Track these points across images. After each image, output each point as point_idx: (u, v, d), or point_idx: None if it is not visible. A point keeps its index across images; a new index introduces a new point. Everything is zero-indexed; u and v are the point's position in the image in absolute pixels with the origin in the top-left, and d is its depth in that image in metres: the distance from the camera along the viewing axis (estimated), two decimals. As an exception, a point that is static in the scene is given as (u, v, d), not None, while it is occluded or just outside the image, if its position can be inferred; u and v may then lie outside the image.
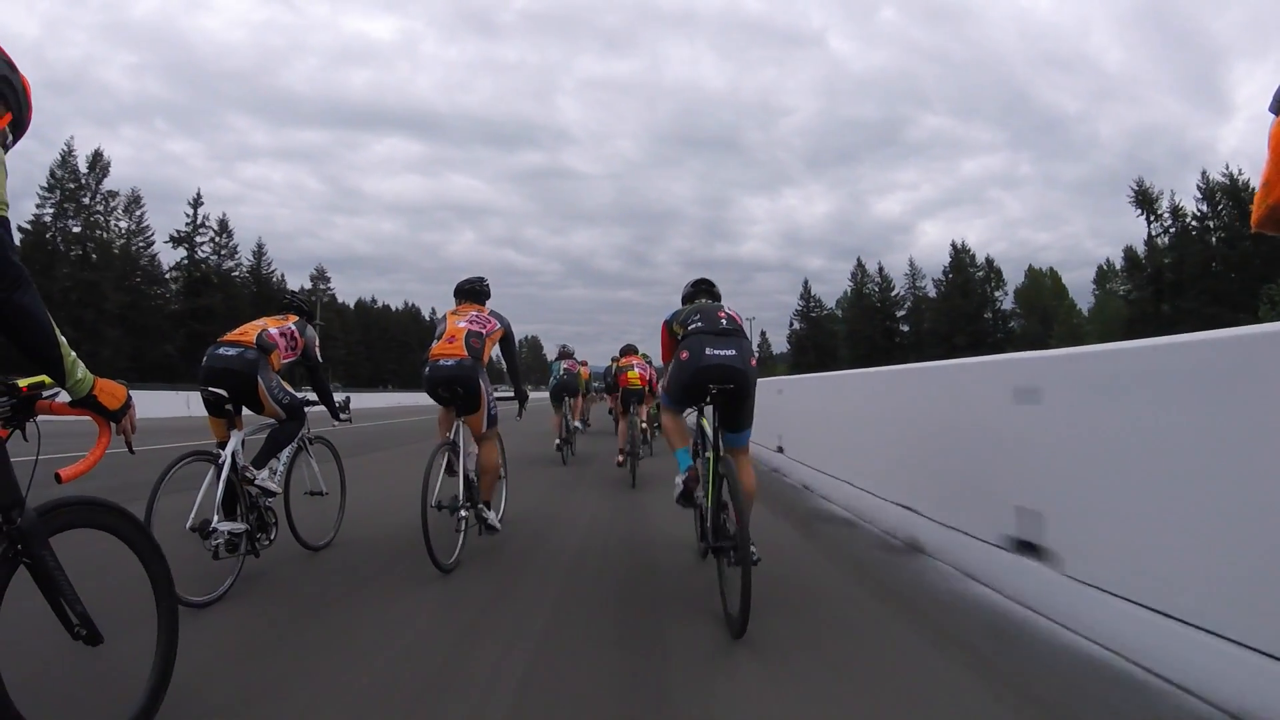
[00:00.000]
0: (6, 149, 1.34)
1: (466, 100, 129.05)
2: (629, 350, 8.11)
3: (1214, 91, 72.76)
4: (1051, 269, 60.90)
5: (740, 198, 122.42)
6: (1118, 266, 53.91)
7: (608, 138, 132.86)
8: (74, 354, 1.33)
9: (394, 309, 77.59)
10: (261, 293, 52.52)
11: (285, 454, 3.20)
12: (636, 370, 7.39)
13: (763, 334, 77.28)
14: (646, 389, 7.50)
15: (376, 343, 68.04)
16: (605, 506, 5.00)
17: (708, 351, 2.72)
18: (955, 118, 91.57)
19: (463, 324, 3.49)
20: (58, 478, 1.33)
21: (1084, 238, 73.35)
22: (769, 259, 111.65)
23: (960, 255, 62.55)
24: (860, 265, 68.59)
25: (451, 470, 3.30)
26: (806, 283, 71.53)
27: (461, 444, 3.36)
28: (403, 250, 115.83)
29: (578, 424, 8.56)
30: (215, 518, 2.65)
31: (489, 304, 3.82)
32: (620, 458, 6.51)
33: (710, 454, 2.79)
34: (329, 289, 64.89)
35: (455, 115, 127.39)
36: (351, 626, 2.37)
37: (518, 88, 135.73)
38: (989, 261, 61.74)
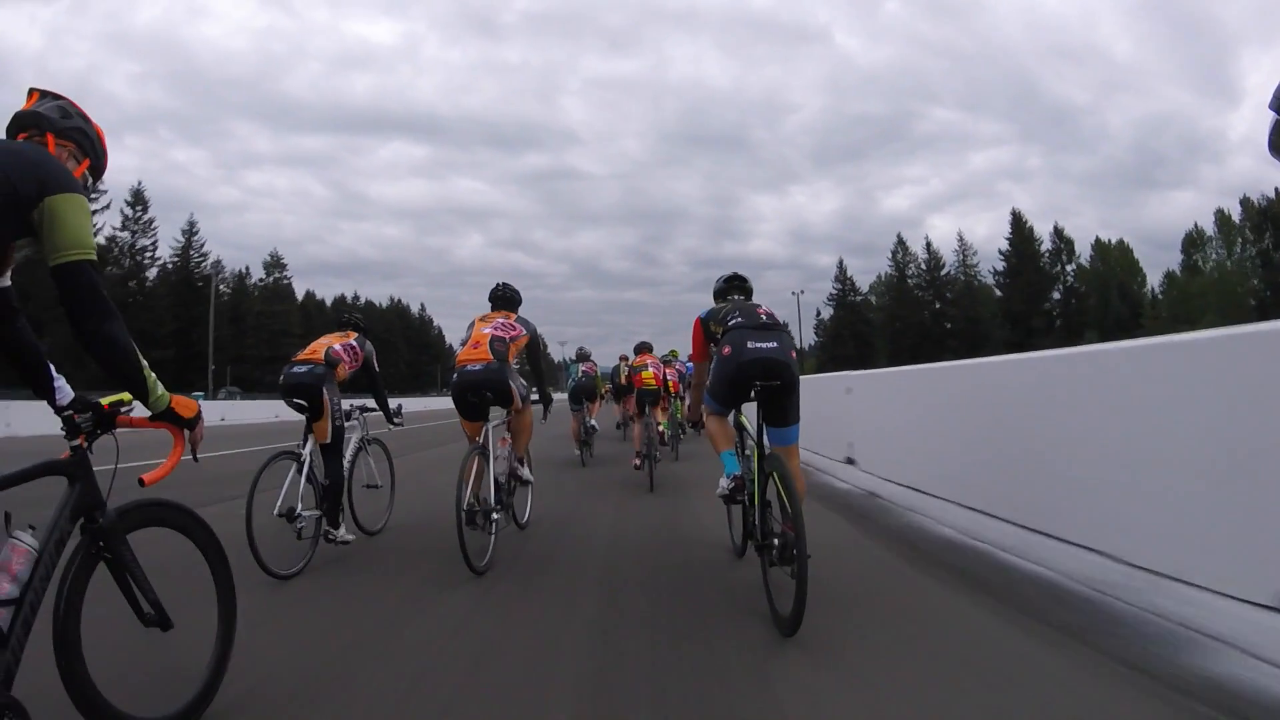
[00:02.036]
0: (87, 192, 1.72)
1: (470, 102, 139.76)
2: (643, 348, 8.45)
3: (1223, 80, 79.49)
4: (1121, 240, 60.40)
5: (747, 196, 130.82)
6: (1207, 232, 53.20)
7: (613, 138, 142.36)
8: (154, 375, 1.71)
9: (379, 305, 78.71)
10: (185, 281, 49.39)
11: (348, 456, 4.08)
12: (651, 369, 7.72)
13: (784, 326, 77.37)
14: (663, 389, 7.77)
15: (355, 343, 68.48)
16: (632, 507, 5.44)
17: (749, 345, 2.93)
18: (963, 111, 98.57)
19: (488, 330, 4.00)
20: (141, 482, 1.72)
21: (1094, 229, 79.11)
22: (778, 257, 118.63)
23: (1020, 225, 61.62)
24: (901, 242, 67.99)
25: (481, 474, 3.72)
26: (841, 263, 71.14)
27: (491, 447, 3.81)
28: (408, 255, 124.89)
29: (593, 423, 9.27)
30: (299, 505, 3.56)
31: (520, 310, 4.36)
32: (637, 460, 6.80)
33: (752, 452, 3.03)
34: (285, 277, 65.30)
35: (459, 118, 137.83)
36: (402, 607, 2.97)
37: (521, 89, 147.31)
38: (1058, 231, 60.92)
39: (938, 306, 64.53)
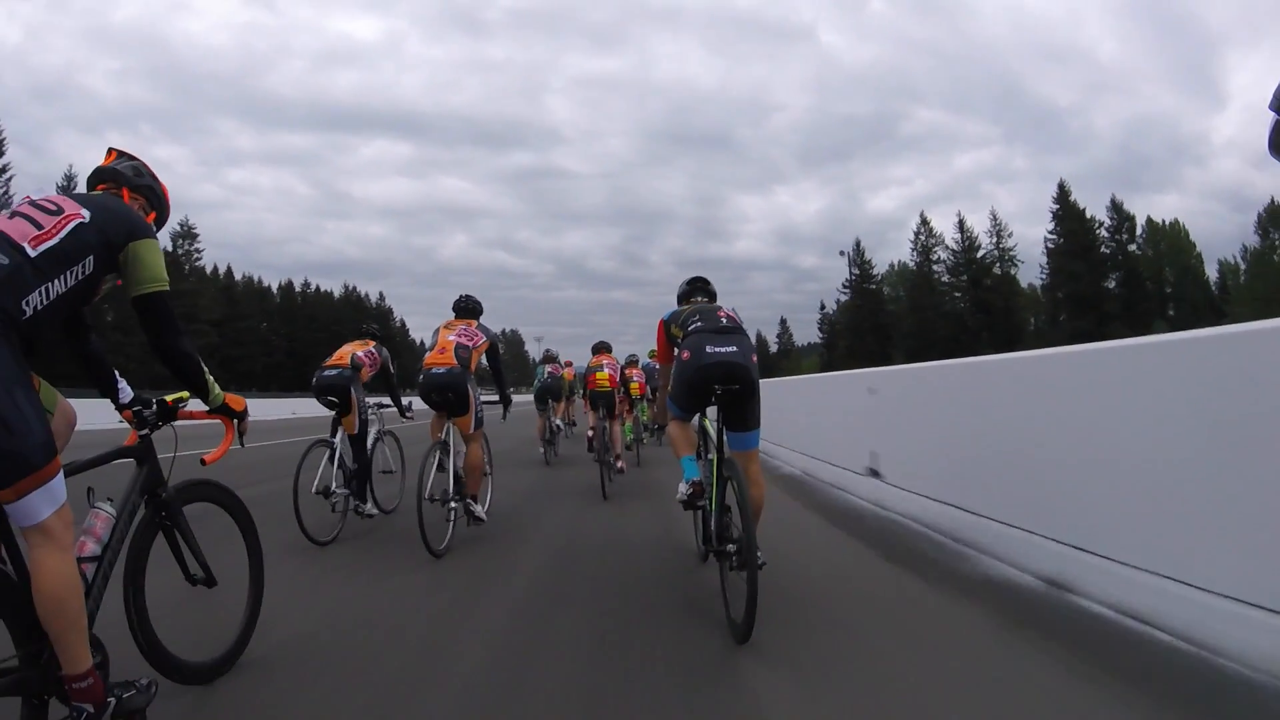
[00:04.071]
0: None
1: (454, 100, 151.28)
2: (601, 348, 9.09)
3: (1207, 82, 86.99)
4: (1176, 220, 61.14)
5: (733, 196, 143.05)
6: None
7: (598, 136, 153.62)
8: (211, 377, 2.44)
9: (334, 294, 79.07)
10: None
11: (369, 446, 5.50)
12: (606, 371, 8.42)
13: (782, 321, 79.59)
14: (617, 392, 8.47)
15: (302, 335, 66.50)
16: (591, 508, 6.25)
17: (708, 349, 3.26)
18: (948, 112, 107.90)
19: (453, 337, 4.96)
20: (202, 461, 2.48)
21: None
22: (763, 257, 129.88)
23: (1065, 197, 61.29)
24: (924, 222, 68.28)
25: (442, 467, 4.68)
26: (858, 243, 71.64)
27: (452, 444, 4.77)
28: (393, 254, 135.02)
29: (559, 422, 10.57)
30: (333, 484, 4.98)
31: (482, 318, 5.32)
32: (590, 433, 7.92)
33: (713, 456, 3.40)
34: (197, 249, 64.56)
35: (443, 116, 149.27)
36: (409, 572, 4.06)
37: (506, 87, 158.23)
38: (1116, 206, 60.82)
39: (975, 293, 64.51)
